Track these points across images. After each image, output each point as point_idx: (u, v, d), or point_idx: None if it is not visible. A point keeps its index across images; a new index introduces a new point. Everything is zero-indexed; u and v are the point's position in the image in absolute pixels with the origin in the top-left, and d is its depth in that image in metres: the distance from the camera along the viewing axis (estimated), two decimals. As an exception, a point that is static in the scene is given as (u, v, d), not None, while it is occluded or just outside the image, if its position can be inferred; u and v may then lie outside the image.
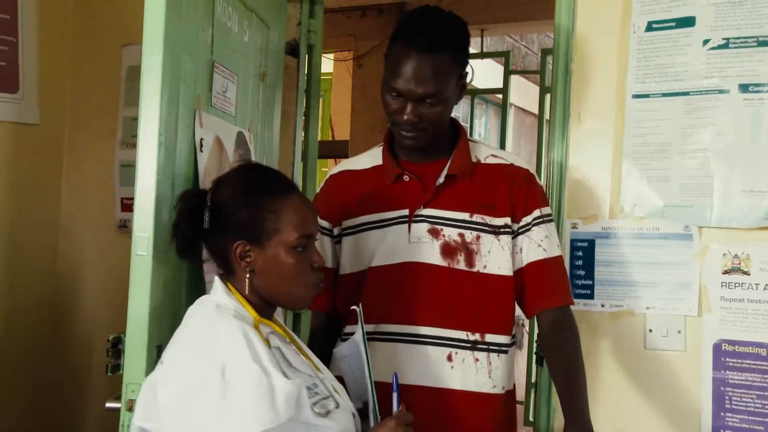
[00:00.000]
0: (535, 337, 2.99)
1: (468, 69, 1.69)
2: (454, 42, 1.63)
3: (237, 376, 1.20)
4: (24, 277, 2.54)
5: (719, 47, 1.90)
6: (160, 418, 1.23)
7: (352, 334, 1.63)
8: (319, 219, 1.78)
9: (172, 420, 1.21)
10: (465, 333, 1.66)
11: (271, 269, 1.35)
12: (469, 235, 1.67)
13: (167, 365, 1.28)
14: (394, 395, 1.41)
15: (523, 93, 6.26)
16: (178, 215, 1.41)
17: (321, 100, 2.85)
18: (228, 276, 1.39)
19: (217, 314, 1.30)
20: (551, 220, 1.75)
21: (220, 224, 1.36)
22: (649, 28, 1.99)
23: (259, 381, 1.20)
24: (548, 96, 4.12)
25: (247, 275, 1.34)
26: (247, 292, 1.35)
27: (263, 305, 1.38)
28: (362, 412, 1.45)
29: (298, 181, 2.66)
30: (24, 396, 2.55)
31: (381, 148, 1.79)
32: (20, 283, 2.53)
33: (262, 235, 1.34)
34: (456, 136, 1.75)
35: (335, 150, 5.46)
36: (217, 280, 1.39)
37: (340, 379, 1.52)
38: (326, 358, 1.72)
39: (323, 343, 1.77)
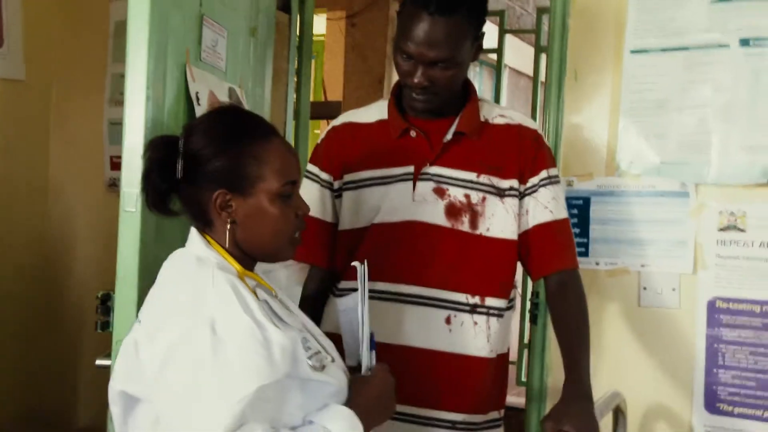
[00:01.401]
0: (528, 297, 2.99)
1: (484, 29, 1.62)
2: (468, 1, 1.55)
3: (228, 329, 1.11)
4: (13, 239, 2.52)
5: (721, 0, 1.86)
6: (143, 379, 1.14)
7: (347, 289, 1.60)
8: (319, 171, 1.74)
9: (159, 380, 1.12)
10: (465, 296, 1.63)
11: (253, 219, 1.25)
12: (475, 197, 1.64)
13: (148, 323, 1.19)
14: (372, 353, 1.37)
15: (518, 54, 6.18)
16: (148, 165, 1.27)
17: (313, 62, 2.79)
18: (205, 228, 1.28)
19: (200, 266, 1.20)
20: (559, 182, 1.70)
21: (195, 173, 1.25)
22: (649, -19, 1.95)
23: (252, 334, 1.11)
24: (543, 56, 4.08)
25: (228, 226, 1.24)
26: (227, 245, 1.25)
27: (244, 258, 1.28)
28: (355, 370, 1.42)
29: (290, 141, 2.63)
30: (17, 357, 2.54)
31: (387, 101, 1.73)
32: (9, 244, 2.51)
33: (244, 182, 1.24)
34: (466, 95, 1.69)
35: (327, 111, 5.39)
36: (194, 231, 1.28)
37: (330, 336, 1.49)
38: (319, 315, 1.70)
39: (317, 301, 1.74)
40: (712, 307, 1.90)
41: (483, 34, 1.62)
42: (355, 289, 1.40)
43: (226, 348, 1.09)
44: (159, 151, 1.27)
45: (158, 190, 1.27)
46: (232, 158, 1.25)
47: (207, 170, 1.24)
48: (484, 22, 1.61)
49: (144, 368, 1.14)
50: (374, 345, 1.38)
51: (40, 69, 2.55)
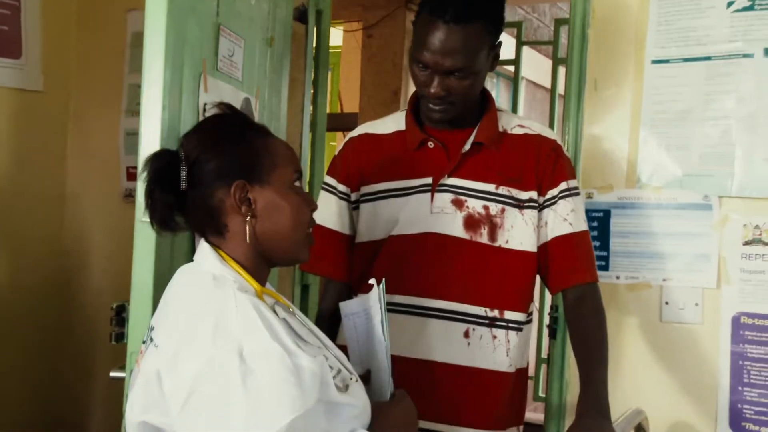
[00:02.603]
0: (546, 312, 2.94)
1: (501, 38, 1.59)
2: (485, 10, 1.53)
3: (257, 358, 1.05)
4: (30, 248, 2.52)
5: (744, 9, 1.84)
6: (167, 410, 1.08)
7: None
8: (336, 183, 1.72)
9: (184, 412, 1.05)
10: (483, 309, 1.60)
11: (273, 210, 1.21)
12: (494, 208, 1.61)
13: (167, 349, 1.11)
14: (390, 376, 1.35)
15: (535, 66, 6.16)
16: (151, 178, 1.21)
17: (329, 74, 2.78)
18: (217, 237, 1.23)
19: (218, 287, 1.15)
20: (578, 194, 1.67)
21: (203, 177, 1.20)
22: (670, -10, 1.93)
23: (282, 362, 1.05)
24: (561, 68, 4.06)
25: (247, 221, 1.19)
26: (247, 240, 1.20)
27: (258, 268, 1.24)
28: (363, 379, 1.39)
29: (306, 152, 2.61)
30: (32, 368, 2.54)
31: (404, 112, 1.71)
32: (26, 254, 2.51)
33: (261, 171, 1.20)
34: (484, 105, 1.67)
35: (344, 123, 5.39)
36: (205, 246, 1.22)
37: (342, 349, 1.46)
38: (336, 330, 1.67)
39: (335, 316, 1.70)
40: (736, 322, 1.86)
41: (500, 43, 1.59)
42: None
43: (256, 378, 1.04)
44: (160, 161, 1.22)
45: (165, 203, 1.21)
46: (244, 151, 1.21)
47: (218, 169, 1.19)
48: (501, 30, 1.58)
49: (167, 399, 1.08)
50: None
51: (57, 80, 2.56)
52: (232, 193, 1.18)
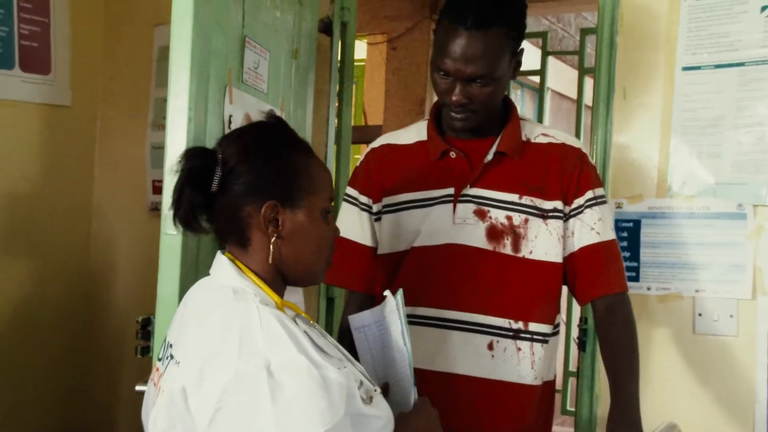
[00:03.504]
0: (574, 324, 2.90)
1: (527, 48, 1.58)
2: (506, 15, 1.51)
3: (284, 372, 1.03)
4: (57, 261, 2.54)
5: (778, 13, 1.80)
6: (192, 426, 1.07)
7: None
8: (358, 194, 1.71)
9: (212, 428, 1.04)
10: (507, 321, 1.58)
11: (298, 235, 1.19)
12: (517, 218, 1.58)
13: (192, 365, 1.09)
14: (414, 384, 1.32)
15: (560, 77, 6.13)
16: (183, 176, 1.18)
17: (354, 86, 2.77)
18: (238, 249, 1.21)
19: (239, 300, 1.13)
20: (605, 202, 1.64)
21: (237, 186, 1.17)
22: (701, -5, 1.90)
23: (310, 375, 1.04)
24: (587, 78, 4.02)
25: (272, 241, 1.17)
26: (270, 261, 1.18)
27: (276, 282, 1.22)
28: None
29: (331, 164, 2.61)
30: (58, 380, 2.55)
31: (426, 122, 1.70)
32: (53, 268, 2.53)
33: (295, 195, 1.18)
34: (507, 113, 1.65)
35: (368, 135, 5.40)
36: (223, 259, 1.21)
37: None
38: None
39: None
40: (773, 335, 1.81)
41: (522, 50, 1.58)
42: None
43: (284, 392, 1.03)
44: (195, 161, 1.19)
45: (192, 204, 1.18)
46: (282, 169, 1.19)
47: (253, 183, 1.17)
48: (522, 37, 1.57)
49: (193, 415, 1.07)
50: (415, 379, 1.33)
51: (85, 95, 2.59)
52: (263, 212, 1.17)
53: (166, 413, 1.12)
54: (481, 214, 1.59)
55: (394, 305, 1.33)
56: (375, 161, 1.72)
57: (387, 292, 1.35)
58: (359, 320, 1.42)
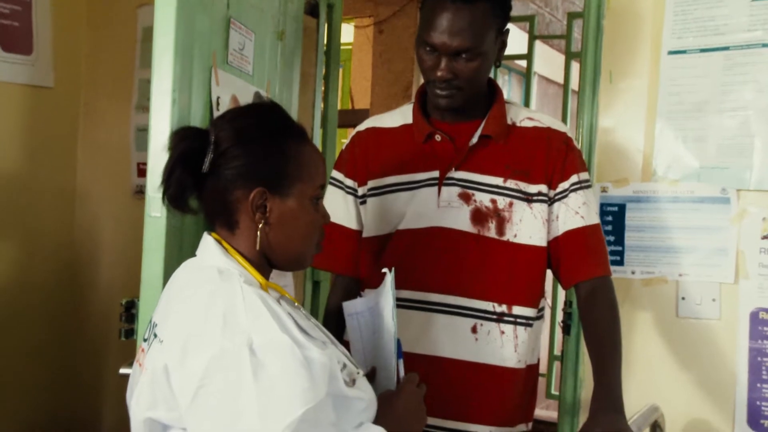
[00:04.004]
0: (559, 308, 2.91)
1: (515, 33, 1.58)
2: None
3: (267, 350, 1.04)
4: (40, 245, 2.52)
5: (763, -2, 1.81)
6: (175, 405, 1.07)
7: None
8: (343, 177, 1.72)
9: (194, 406, 1.04)
10: (491, 304, 1.59)
11: (287, 222, 1.19)
12: (502, 202, 1.59)
13: (174, 344, 1.09)
14: (399, 362, 1.33)
15: (547, 61, 6.12)
16: (174, 155, 1.17)
17: (341, 70, 2.75)
18: (225, 231, 1.21)
19: (224, 280, 1.13)
20: (589, 186, 1.65)
21: (227, 168, 1.16)
22: (688, -21, 1.90)
23: (292, 354, 1.04)
24: (574, 63, 4.02)
25: (260, 228, 1.18)
26: (257, 247, 1.19)
27: (263, 265, 1.23)
28: (368, 378, 1.37)
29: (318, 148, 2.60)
30: (42, 364, 2.54)
31: (411, 106, 1.70)
32: (37, 252, 2.51)
33: (284, 182, 1.18)
34: (492, 96, 1.66)
35: (355, 119, 5.37)
36: (209, 239, 1.21)
37: (345, 345, 1.44)
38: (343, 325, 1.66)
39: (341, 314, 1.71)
40: (755, 318, 1.83)
41: (507, 30, 1.59)
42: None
43: (267, 370, 1.03)
44: (187, 141, 1.18)
45: (182, 184, 1.18)
46: (273, 156, 1.19)
47: (244, 168, 1.17)
48: (508, 17, 1.58)
49: (175, 393, 1.07)
50: (401, 354, 1.33)
51: (68, 76, 2.55)
52: (251, 198, 1.17)
53: (148, 391, 1.12)
54: (465, 198, 1.60)
55: (389, 283, 1.33)
56: (360, 145, 1.72)
57: (385, 270, 1.35)
58: (353, 306, 1.43)
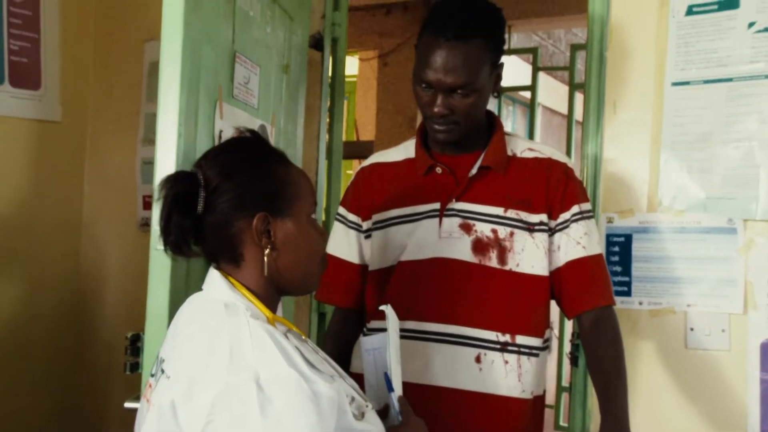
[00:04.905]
0: (567, 339, 2.89)
1: (503, 59, 1.60)
2: (485, 28, 1.54)
3: (274, 385, 1.03)
4: (47, 277, 2.52)
5: (766, 30, 1.81)
6: None
7: (377, 329, 1.56)
8: (346, 212, 1.75)
9: None
10: (495, 334, 1.58)
11: (292, 242, 1.20)
12: (503, 231, 1.59)
13: (181, 379, 1.09)
14: (392, 395, 1.31)
15: (551, 92, 6.16)
16: (167, 201, 1.17)
17: (345, 102, 2.78)
18: (231, 266, 1.21)
19: (230, 315, 1.13)
20: (591, 217, 1.65)
21: (223, 204, 1.17)
22: (690, 11, 1.91)
23: (299, 389, 1.03)
24: (578, 94, 4.04)
25: (266, 253, 1.18)
26: (266, 273, 1.18)
27: (269, 296, 1.22)
28: (380, 414, 1.36)
29: (323, 180, 2.61)
30: (47, 396, 2.53)
31: (414, 141, 1.72)
32: (43, 283, 2.51)
33: (282, 204, 1.19)
34: (492, 129, 1.67)
35: (360, 150, 5.41)
36: (215, 274, 1.21)
37: (353, 377, 1.43)
38: (339, 358, 1.65)
39: (338, 342, 1.73)
40: (765, 349, 1.81)
41: (502, 64, 1.60)
42: (384, 329, 1.35)
43: (274, 406, 1.02)
44: (177, 185, 1.18)
45: (181, 227, 1.17)
46: (264, 181, 1.20)
47: (239, 198, 1.17)
48: (502, 50, 1.59)
49: (182, 429, 1.06)
50: (392, 387, 1.32)
51: (75, 111, 2.58)
52: (254, 225, 1.17)
53: (155, 427, 1.11)
54: (466, 228, 1.60)
55: (393, 319, 1.34)
56: (364, 180, 1.74)
57: (383, 307, 1.35)
58: (370, 343, 1.42)
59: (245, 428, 1.02)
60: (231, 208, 1.17)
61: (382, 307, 1.35)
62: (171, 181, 1.20)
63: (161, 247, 1.37)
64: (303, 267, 1.24)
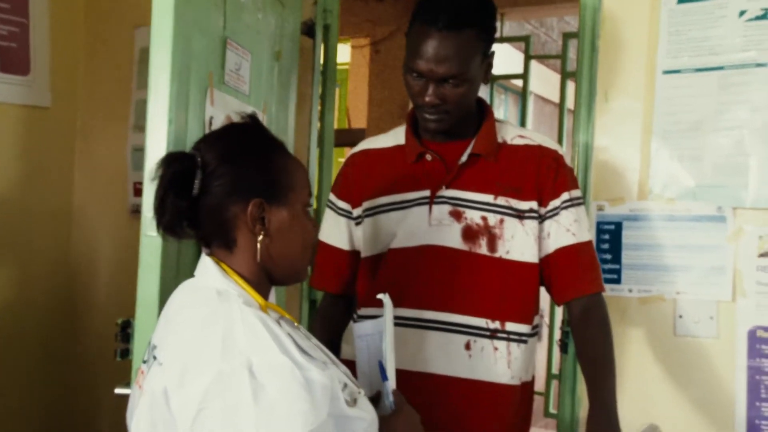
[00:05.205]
0: (556, 327, 2.90)
1: (494, 48, 1.60)
2: (476, 17, 1.54)
3: (268, 373, 1.03)
4: (37, 265, 2.52)
5: (757, 18, 1.82)
6: (176, 428, 1.05)
7: (367, 316, 1.56)
8: (336, 199, 1.75)
9: (194, 429, 1.03)
10: (485, 320, 1.59)
11: (285, 231, 1.20)
12: (493, 219, 1.60)
13: (174, 366, 1.09)
14: (386, 384, 1.32)
15: (543, 81, 6.16)
16: (164, 181, 1.16)
17: (337, 90, 2.77)
18: (223, 251, 1.20)
19: (223, 301, 1.12)
20: (581, 204, 1.66)
21: (220, 187, 1.16)
22: (681, 0, 1.90)
23: (293, 376, 1.03)
24: (570, 82, 4.04)
25: (259, 240, 1.18)
26: (258, 259, 1.18)
27: (261, 283, 1.22)
28: (372, 401, 1.36)
29: (314, 168, 2.60)
30: (38, 383, 2.52)
31: (404, 128, 1.72)
32: (33, 271, 2.50)
33: (279, 192, 1.19)
34: (482, 116, 1.67)
35: (351, 138, 5.39)
36: (207, 261, 1.20)
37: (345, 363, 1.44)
38: (329, 343, 1.66)
39: (328, 329, 1.74)
40: (752, 336, 1.82)
41: (493, 53, 1.60)
42: (374, 316, 1.36)
43: (267, 393, 1.02)
44: (174, 166, 1.17)
45: (177, 208, 1.17)
46: (263, 168, 1.20)
47: (237, 183, 1.17)
48: (492, 40, 1.59)
49: (175, 416, 1.06)
50: (386, 376, 1.33)
51: (65, 96, 2.56)
52: (249, 211, 1.17)
53: (148, 414, 1.11)
54: (456, 215, 1.60)
55: (389, 308, 1.34)
56: (354, 167, 1.74)
57: (380, 295, 1.35)
58: (363, 329, 1.43)
59: (238, 415, 1.02)
60: (227, 192, 1.17)
61: (379, 296, 1.36)
62: (169, 161, 1.19)
63: (152, 233, 1.37)
64: (294, 257, 1.24)
